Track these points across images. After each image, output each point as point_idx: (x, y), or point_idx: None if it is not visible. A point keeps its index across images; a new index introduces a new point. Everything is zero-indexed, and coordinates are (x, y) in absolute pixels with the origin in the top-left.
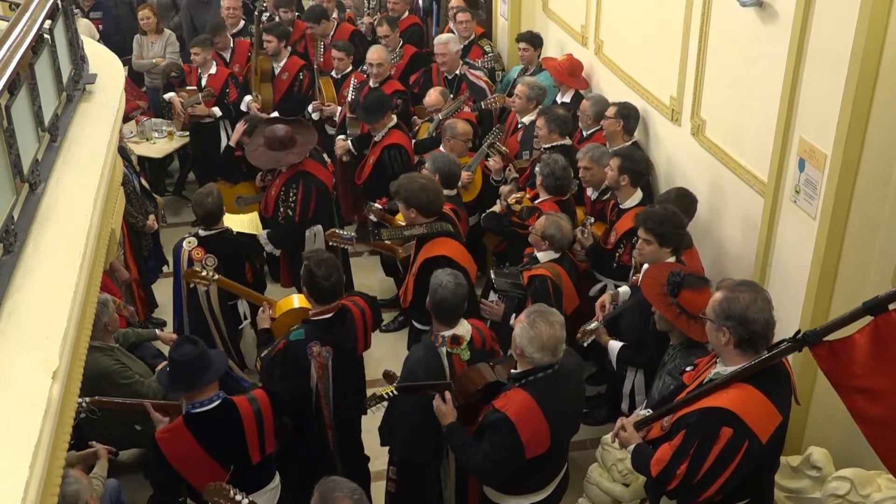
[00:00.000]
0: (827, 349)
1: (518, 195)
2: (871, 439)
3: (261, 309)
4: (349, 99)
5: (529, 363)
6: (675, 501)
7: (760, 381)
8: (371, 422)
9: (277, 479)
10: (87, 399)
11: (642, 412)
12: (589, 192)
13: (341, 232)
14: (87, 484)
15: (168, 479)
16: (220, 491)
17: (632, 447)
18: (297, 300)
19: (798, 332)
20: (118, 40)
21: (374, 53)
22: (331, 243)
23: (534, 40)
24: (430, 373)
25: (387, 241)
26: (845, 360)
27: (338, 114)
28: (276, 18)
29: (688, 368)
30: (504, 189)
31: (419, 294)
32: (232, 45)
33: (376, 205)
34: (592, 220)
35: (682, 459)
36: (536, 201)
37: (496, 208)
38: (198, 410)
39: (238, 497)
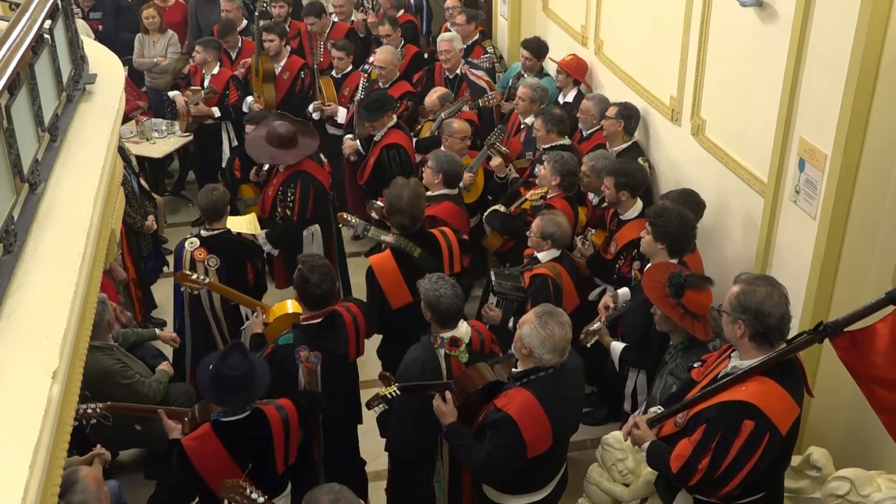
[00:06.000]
0: (848, 340)
1: (540, 191)
2: (891, 429)
3: (254, 314)
4: (357, 98)
5: (535, 363)
6: (691, 498)
7: (778, 373)
8: (371, 423)
9: (289, 486)
10: (101, 405)
11: (653, 410)
12: (591, 195)
13: (348, 217)
14: (95, 491)
15: (187, 485)
16: (237, 488)
17: (646, 445)
18: (291, 305)
19: (820, 323)
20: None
21: (380, 55)
22: (339, 225)
23: (539, 50)
24: (424, 374)
25: (370, 237)
26: (866, 349)
27: (339, 114)
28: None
29: (695, 364)
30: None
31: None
32: (240, 44)
33: (378, 202)
34: (593, 231)
35: (704, 454)
36: (548, 197)
37: (500, 207)
38: (226, 419)
39: (254, 495)
